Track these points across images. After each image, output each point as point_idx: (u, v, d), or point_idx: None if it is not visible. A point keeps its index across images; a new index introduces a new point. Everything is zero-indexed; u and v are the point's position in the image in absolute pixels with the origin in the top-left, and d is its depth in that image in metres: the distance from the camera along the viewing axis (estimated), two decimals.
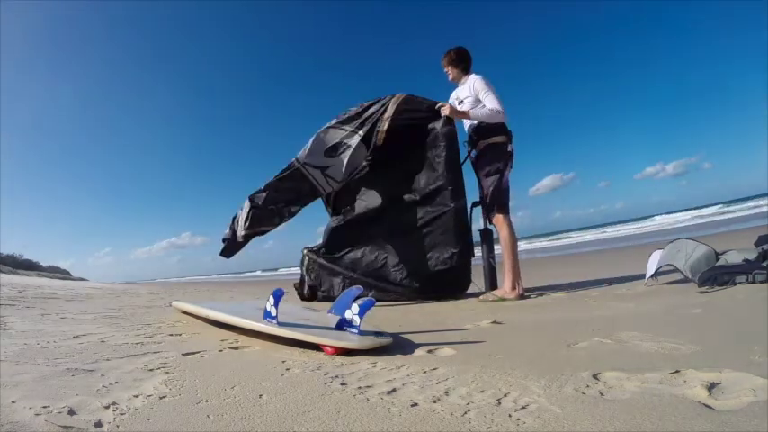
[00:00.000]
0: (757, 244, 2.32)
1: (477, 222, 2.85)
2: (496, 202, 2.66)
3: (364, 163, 2.86)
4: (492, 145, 2.67)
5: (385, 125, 2.71)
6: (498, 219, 2.67)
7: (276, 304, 1.41)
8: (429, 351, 1.30)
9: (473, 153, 2.80)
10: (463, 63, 2.82)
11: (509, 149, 2.66)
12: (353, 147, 2.75)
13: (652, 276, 2.51)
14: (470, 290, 3.00)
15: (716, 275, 2.10)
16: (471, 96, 2.69)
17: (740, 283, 2.01)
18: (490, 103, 2.62)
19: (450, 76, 2.86)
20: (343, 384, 0.97)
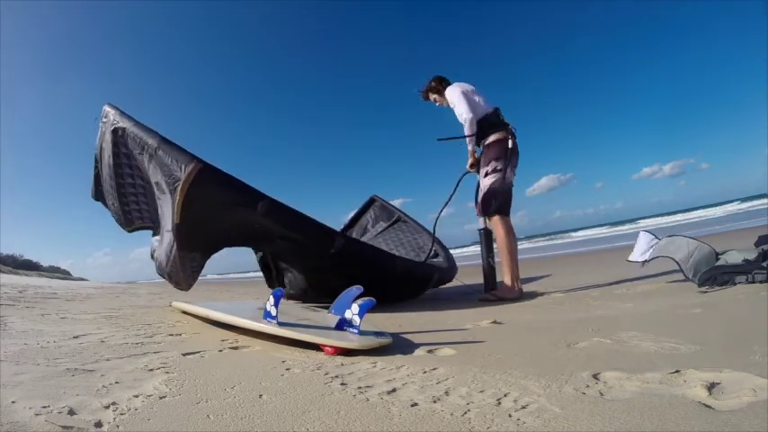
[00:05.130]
0: (757, 244, 2.32)
1: (478, 222, 2.85)
2: (495, 203, 2.62)
3: None
4: (491, 143, 2.65)
5: None
6: (495, 220, 2.64)
7: (276, 304, 1.41)
8: (429, 351, 1.30)
9: (478, 152, 2.77)
10: (442, 85, 2.87)
11: (509, 145, 2.60)
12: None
13: (645, 262, 2.52)
14: (467, 289, 3.01)
15: (716, 275, 2.10)
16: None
17: (740, 283, 2.01)
18: (459, 114, 2.68)
19: (438, 104, 2.93)
20: (343, 384, 0.97)
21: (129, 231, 2.58)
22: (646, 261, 2.50)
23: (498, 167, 2.60)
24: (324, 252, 2.25)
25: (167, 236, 2.05)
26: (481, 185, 2.70)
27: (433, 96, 2.95)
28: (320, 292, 2.87)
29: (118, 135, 2.21)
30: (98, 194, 2.65)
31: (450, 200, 3.01)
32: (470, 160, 2.75)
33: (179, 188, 1.83)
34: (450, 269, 3.16)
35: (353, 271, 2.30)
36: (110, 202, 2.53)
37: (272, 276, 2.99)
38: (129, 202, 2.46)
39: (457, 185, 2.94)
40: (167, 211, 1.98)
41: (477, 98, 2.73)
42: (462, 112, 2.65)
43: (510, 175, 2.65)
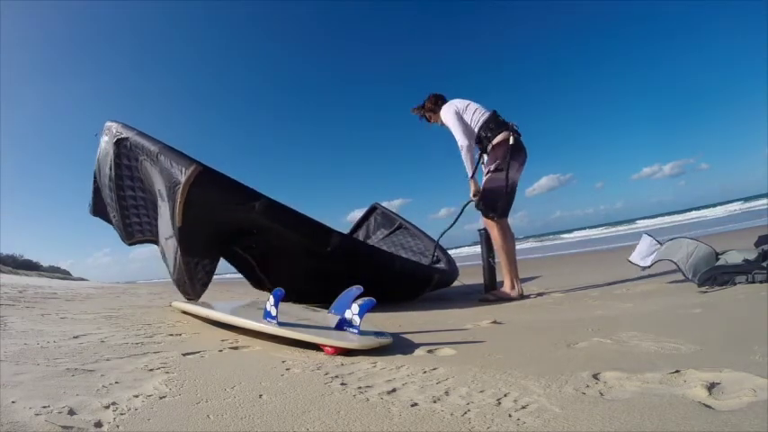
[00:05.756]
0: (757, 244, 2.32)
1: (478, 222, 2.85)
2: (497, 205, 2.60)
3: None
4: (496, 146, 2.62)
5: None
6: (492, 222, 2.64)
7: (276, 304, 1.41)
8: (429, 351, 1.30)
9: (484, 158, 2.75)
10: (438, 104, 2.89)
11: (511, 142, 2.57)
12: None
13: (647, 266, 2.51)
14: (467, 289, 3.01)
15: (716, 275, 2.10)
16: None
17: (740, 283, 2.01)
18: (457, 139, 2.68)
19: (433, 121, 2.96)
20: (343, 384, 0.97)
21: (130, 244, 2.61)
22: (647, 267, 2.50)
23: (501, 167, 2.57)
24: (321, 250, 2.26)
25: (171, 243, 2.07)
26: (484, 186, 2.66)
27: (428, 114, 2.97)
28: (318, 290, 2.86)
29: (121, 146, 2.25)
30: (96, 210, 2.69)
31: (453, 225, 3.08)
32: (473, 189, 2.72)
33: (179, 191, 1.86)
34: (452, 273, 3.17)
35: (351, 269, 2.31)
36: (111, 215, 2.56)
37: (256, 275, 2.92)
38: (129, 215, 2.49)
39: (461, 213, 2.95)
40: (168, 216, 2.00)
41: (472, 112, 2.72)
42: (458, 140, 2.67)
43: (515, 174, 2.61)
